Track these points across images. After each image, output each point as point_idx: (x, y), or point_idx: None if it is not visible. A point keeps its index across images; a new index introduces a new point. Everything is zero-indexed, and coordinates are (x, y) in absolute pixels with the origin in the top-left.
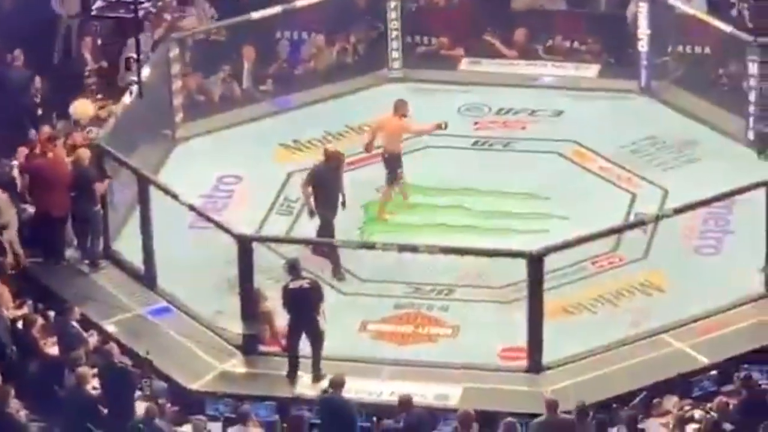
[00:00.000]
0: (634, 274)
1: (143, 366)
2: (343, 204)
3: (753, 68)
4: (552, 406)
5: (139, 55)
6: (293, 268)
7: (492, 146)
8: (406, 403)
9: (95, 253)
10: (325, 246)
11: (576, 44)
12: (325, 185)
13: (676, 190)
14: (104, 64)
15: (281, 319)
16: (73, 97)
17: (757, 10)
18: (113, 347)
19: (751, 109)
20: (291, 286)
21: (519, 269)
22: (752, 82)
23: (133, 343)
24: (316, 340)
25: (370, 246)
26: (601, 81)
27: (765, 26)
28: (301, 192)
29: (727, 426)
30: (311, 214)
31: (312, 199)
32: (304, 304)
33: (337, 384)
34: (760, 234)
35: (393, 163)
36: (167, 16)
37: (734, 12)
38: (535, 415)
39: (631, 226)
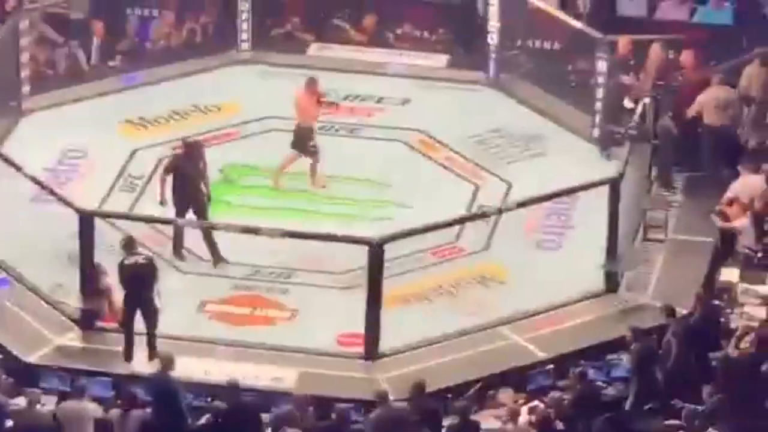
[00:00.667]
0: (474, 265)
1: None
2: (208, 198)
3: (601, 65)
4: (382, 397)
5: None
6: (128, 244)
7: (338, 132)
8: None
9: None
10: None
11: (425, 34)
12: (183, 176)
13: (519, 183)
14: None
15: (120, 296)
16: None
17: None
18: None
19: (597, 106)
20: (126, 262)
21: (360, 256)
22: (600, 79)
23: None
24: (150, 317)
25: (212, 226)
26: (450, 72)
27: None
28: (158, 180)
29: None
30: (162, 203)
31: (166, 188)
32: (138, 281)
33: (166, 362)
34: (601, 231)
35: (303, 135)
36: None
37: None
38: (369, 402)
39: (473, 218)
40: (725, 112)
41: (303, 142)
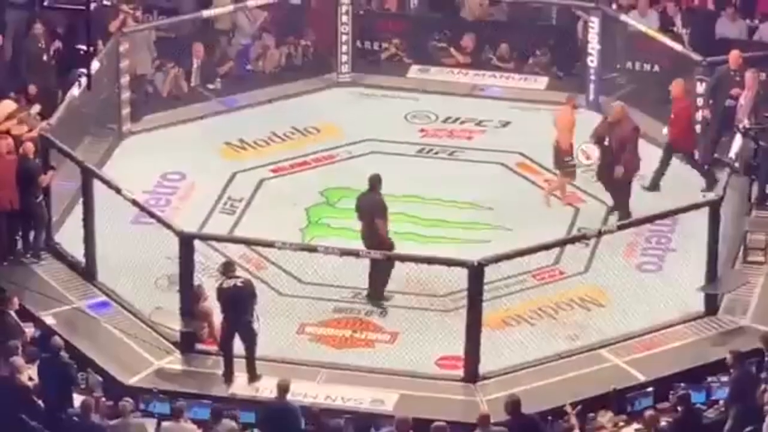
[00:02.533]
0: (574, 288)
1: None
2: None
3: (700, 88)
4: (484, 420)
5: (89, 47)
6: (227, 267)
7: (437, 154)
8: None
9: (38, 245)
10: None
11: (525, 55)
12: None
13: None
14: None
15: (219, 319)
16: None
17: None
18: (58, 340)
19: (697, 127)
20: (224, 285)
21: (460, 278)
22: (699, 101)
23: (70, 336)
24: (249, 340)
25: (312, 249)
26: (549, 93)
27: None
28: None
29: None
30: None
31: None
32: (236, 304)
33: (282, 389)
34: (701, 253)
35: (560, 154)
36: (124, 9)
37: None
38: (469, 425)
39: (574, 240)
40: None
41: (561, 161)
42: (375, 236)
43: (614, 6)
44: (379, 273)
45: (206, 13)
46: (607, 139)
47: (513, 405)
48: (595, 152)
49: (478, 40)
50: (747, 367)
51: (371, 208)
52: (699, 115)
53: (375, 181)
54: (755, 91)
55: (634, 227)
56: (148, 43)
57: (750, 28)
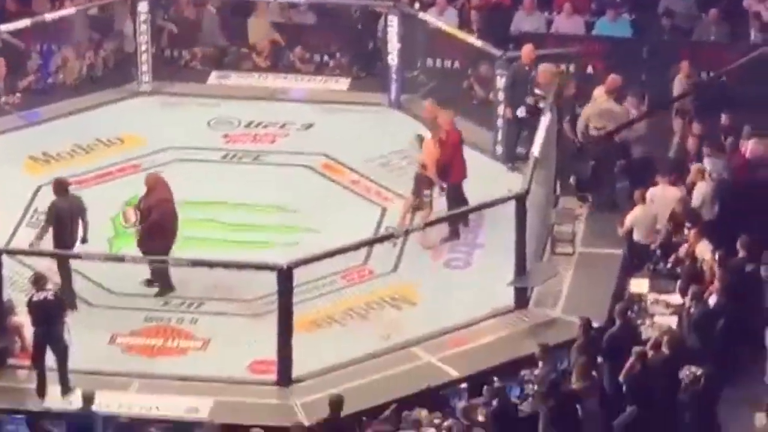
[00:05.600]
0: (384, 287)
1: None
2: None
3: (501, 82)
4: (298, 429)
5: None
6: (38, 280)
7: (242, 159)
8: None
9: None
10: None
11: (326, 58)
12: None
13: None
14: None
15: (30, 332)
16: None
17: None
18: None
19: (499, 122)
20: (34, 298)
21: (270, 282)
22: (500, 95)
23: None
24: (60, 352)
25: (119, 259)
26: (351, 94)
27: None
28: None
29: None
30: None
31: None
32: (47, 317)
33: (86, 399)
34: (509, 247)
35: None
36: None
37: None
38: (284, 429)
39: (381, 240)
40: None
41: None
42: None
43: (416, 4)
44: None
45: (4, 27)
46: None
47: (333, 404)
48: (133, 216)
49: (276, 43)
50: (556, 360)
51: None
52: (500, 112)
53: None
54: (557, 87)
55: (441, 223)
56: None
57: (548, 21)
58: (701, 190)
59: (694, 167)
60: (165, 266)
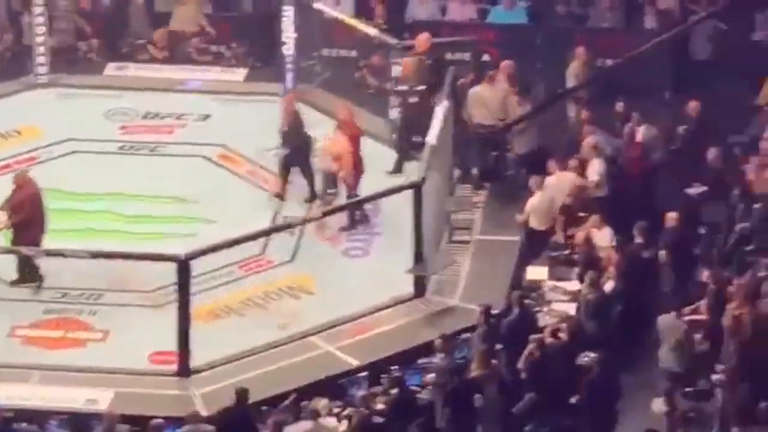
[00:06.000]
0: (282, 277)
1: None
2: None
3: (396, 70)
4: (193, 418)
5: None
6: None
7: (139, 151)
8: None
9: None
10: None
11: (222, 48)
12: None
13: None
14: None
15: None
16: None
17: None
18: None
19: (393, 112)
20: None
21: (168, 273)
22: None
23: None
24: None
25: (15, 251)
26: (248, 85)
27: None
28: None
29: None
30: None
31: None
32: None
33: None
34: (407, 235)
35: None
36: None
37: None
38: (183, 419)
39: (278, 229)
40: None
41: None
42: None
43: None
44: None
45: None
46: None
47: (239, 394)
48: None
49: (172, 33)
50: (455, 348)
51: None
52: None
53: None
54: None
55: (339, 212)
56: None
57: (442, 8)
58: (595, 167)
59: (586, 142)
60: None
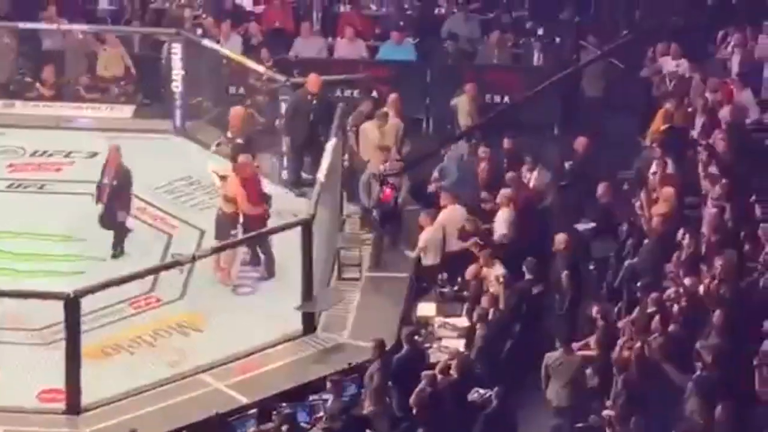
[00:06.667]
0: (171, 314)
1: None
2: None
3: (283, 107)
4: None
5: None
6: None
7: (27, 189)
8: None
9: None
10: None
11: (110, 85)
12: None
13: (212, 229)
14: None
15: None
16: None
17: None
18: None
19: (284, 148)
20: None
21: (57, 311)
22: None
23: None
24: None
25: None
26: (136, 122)
27: None
28: None
29: None
30: None
31: None
32: None
33: None
34: (296, 272)
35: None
36: None
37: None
38: None
39: (167, 267)
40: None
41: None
42: None
43: (199, 31)
44: None
45: None
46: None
47: None
48: None
49: (60, 70)
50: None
51: None
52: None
53: None
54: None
55: (228, 249)
56: None
57: (329, 46)
58: (505, 216)
59: (503, 193)
60: None
